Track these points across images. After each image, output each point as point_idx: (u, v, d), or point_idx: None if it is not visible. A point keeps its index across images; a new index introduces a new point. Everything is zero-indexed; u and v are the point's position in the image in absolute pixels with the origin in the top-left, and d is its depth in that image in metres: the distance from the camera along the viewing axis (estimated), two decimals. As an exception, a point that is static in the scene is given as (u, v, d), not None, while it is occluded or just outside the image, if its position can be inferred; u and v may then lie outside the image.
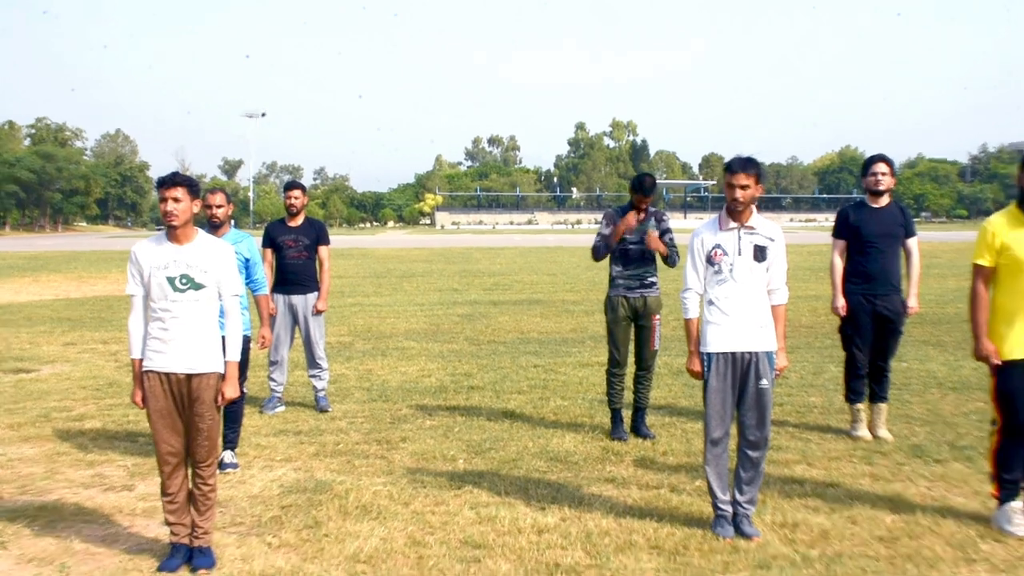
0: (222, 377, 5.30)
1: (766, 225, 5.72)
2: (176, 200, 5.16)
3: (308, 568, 5.23)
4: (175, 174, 5.29)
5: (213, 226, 7.32)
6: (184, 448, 5.30)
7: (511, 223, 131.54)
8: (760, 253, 5.63)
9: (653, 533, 5.65)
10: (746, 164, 5.59)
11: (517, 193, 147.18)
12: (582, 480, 6.82)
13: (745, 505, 5.68)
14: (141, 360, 5.26)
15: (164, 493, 5.33)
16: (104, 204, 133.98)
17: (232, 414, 7.37)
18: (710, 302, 5.70)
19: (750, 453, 5.67)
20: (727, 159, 5.80)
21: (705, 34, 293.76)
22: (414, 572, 5.15)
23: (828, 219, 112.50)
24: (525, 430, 8.35)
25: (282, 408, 9.31)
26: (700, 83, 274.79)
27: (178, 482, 5.32)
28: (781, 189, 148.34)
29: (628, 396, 8.21)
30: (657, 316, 7.97)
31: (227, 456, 7.29)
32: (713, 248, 5.67)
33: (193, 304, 5.19)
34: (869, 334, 7.92)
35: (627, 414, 8.22)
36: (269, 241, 9.26)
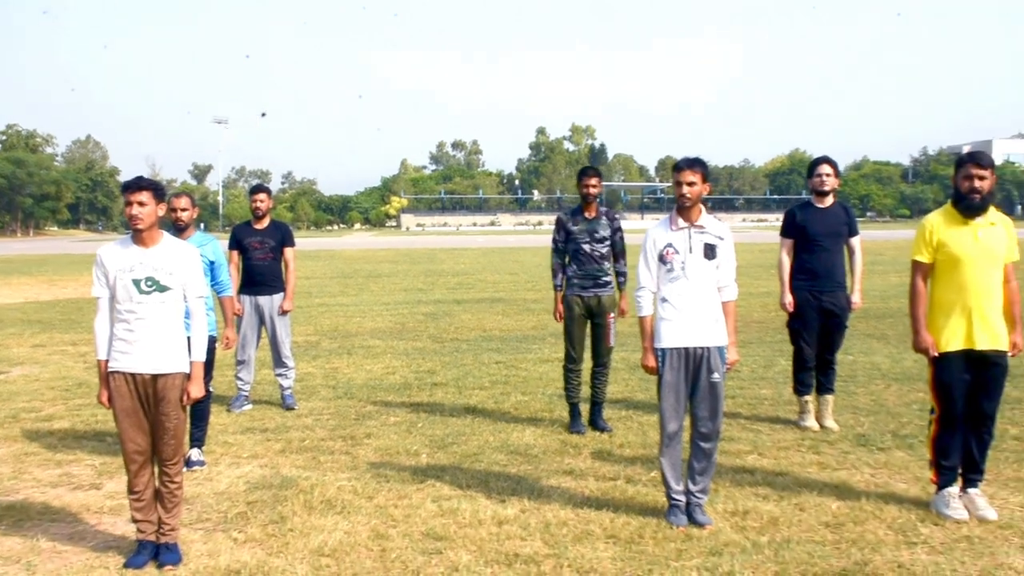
0: (187, 377, 5.24)
1: (715, 225, 5.75)
2: (141, 204, 5.09)
3: (273, 562, 5.17)
4: (140, 178, 5.22)
5: (178, 229, 7.23)
6: (150, 447, 5.22)
7: (475, 224, 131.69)
8: (710, 251, 5.65)
9: (609, 523, 5.65)
10: (692, 163, 5.64)
11: (480, 195, 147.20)
12: (541, 472, 6.81)
13: (698, 495, 5.70)
14: (107, 361, 5.19)
15: (131, 491, 5.25)
16: (75, 209, 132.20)
17: (199, 412, 7.29)
18: (663, 299, 5.71)
19: (702, 444, 5.69)
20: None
21: (661, 40, 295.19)
22: (377, 565, 5.12)
23: (779, 219, 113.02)
24: (486, 425, 8.33)
25: (249, 406, 9.22)
26: (656, 88, 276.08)
27: (144, 480, 5.24)
28: (734, 190, 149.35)
29: (586, 391, 8.22)
30: (611, 314, 7.98)
31: (194, 454, 7.21)
32: (665, 247, 5.68)
33: (158, 306, 5.12)
34: (816, 329, 7.99)
35: (585, 408, 8.23)
36: (236, 243, 9.20)
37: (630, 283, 7.87)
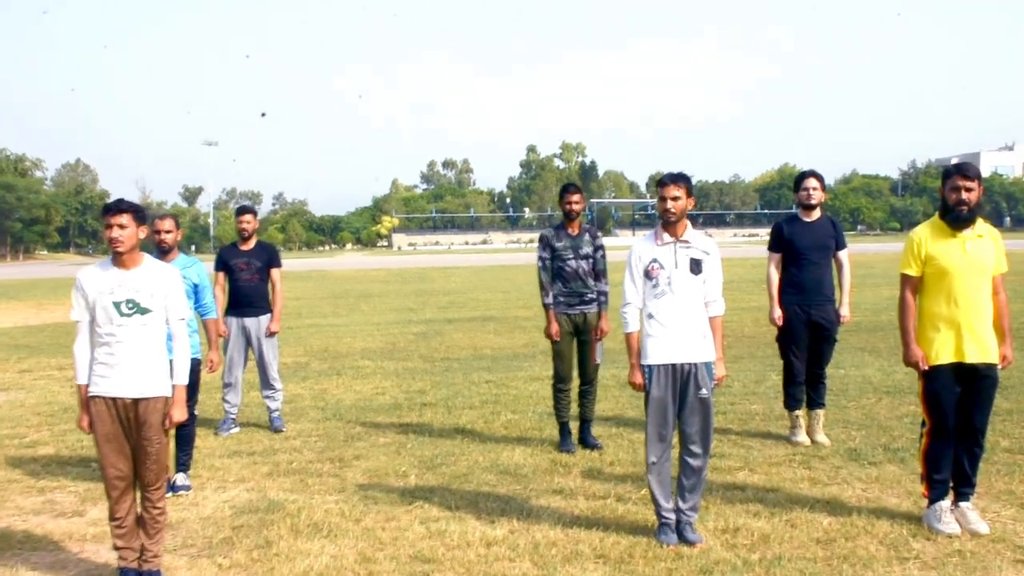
0: (170, 401, 5.17)
1: (701, 239, 5.71)
2: (121, 227, 5.03)
3: (258, 588, 5.10)
4: (120, 201, 5.17)
5: (162, 251, 7.19)
6: (132, 472, 5.15)
7: (466, 243, 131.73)
8: (696, 266, 5.61)
9: (599, 542, 5.59)
10: (676, 177, 5.62)
11: (472, 214, 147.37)
12: (531, 492, 6.75)
13: (688, 512, 5.64)
14: (87, 385, 5.12)
15: (112, 517, 5.18)
16: (65, 232, 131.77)
17: (184, 436, 7.22)
18: (649, 315, 5.67)
19: (691, 462, 5.63)
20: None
21: (650, 58, 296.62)
22: (363, 589, 5.05)
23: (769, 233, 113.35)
24: (476, 445, 8.26)
25: (237, 429, 9.14)
26: (646, 105, 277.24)
27: (126, 506, 5.17)
28: (724, 206, 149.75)
29: (575, 409, 8.16)
30: (595, 332, 7.94)
31: (180, 478, 7.13)
32: (650, 262, 5.64)
33: (139, 329, 5.06)
34: (805, 343, 7.95)
35: (575, 426, 8.16)
36: (222, 265, 9.15)
37: (611, 302, 7.84)
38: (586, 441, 8.01)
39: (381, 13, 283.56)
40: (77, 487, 7.24)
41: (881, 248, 62.20)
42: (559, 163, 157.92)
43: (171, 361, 5.20)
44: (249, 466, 7.74)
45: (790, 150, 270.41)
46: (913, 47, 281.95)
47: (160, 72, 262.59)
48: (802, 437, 7.94)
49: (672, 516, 5.64)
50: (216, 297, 8.91)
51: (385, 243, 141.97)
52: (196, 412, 7.57)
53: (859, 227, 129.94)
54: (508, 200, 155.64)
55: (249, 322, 9.10)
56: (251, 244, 9.20)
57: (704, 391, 5.57)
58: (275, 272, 9.24)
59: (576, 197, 7.94)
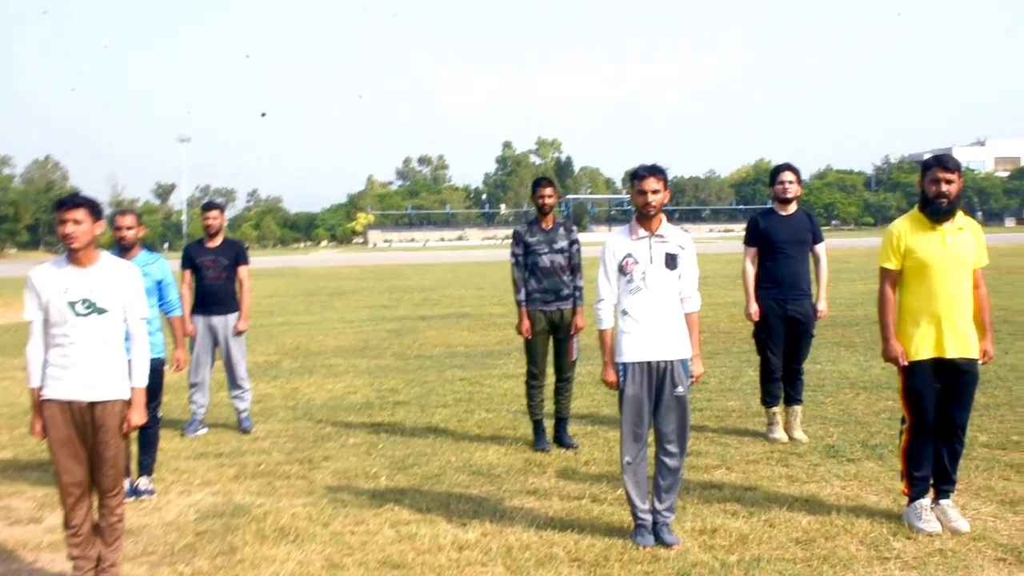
0: (128, 404, 4.98)
1: (676, 234, 5.58)
2: (76, 222, 4.84)
3: (221, 597, 4.93)
4: (75, 195, 4.97)
5: (123, 248, 6.98)
6: (88, 478, 4.96)
7: (442, 240, 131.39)
8: (671, 261, 5.48)
9: (574, 545, 5.45)
10: (654, 170, 5.47)
11: (447, 210, 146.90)
12: (504, 493, 6.60)
13: (664, 513, 5.51)
14: (40, 388, 4.92)
15: (67, 525, 4.98)
16: (35, 230, 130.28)
17: (147, 438, 7.02)
18: (624, 312, 5.52)
19: (668, 461, 5.50)
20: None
21: (625, 54, 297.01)
22: (330, 596, 4.88)
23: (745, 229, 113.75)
24: (449, 444, 8.10)
25: (204, 430, 8.94)
26: (622, 101, 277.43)
27: (82, 513, 4.97)
28: (700, 201, 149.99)
29: (550, 406, 8.02)
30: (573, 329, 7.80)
31: (143, 482, 6.94)
32: (625, 257, 5.50)
33: (95, 329, 4.86)
34: (781, 338, 7.85)
35: (550, 424, 8.02)
36: (188, 262, 8.95)
37: (586, 298, 7.71)
38: (561, 440, 7.87)
39: (374, 12, 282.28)
40: (35, 492, 7.02)
41: (855, 243, 62.53)
42: (535, 159, 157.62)
43: (130, 362, 5.01)
44: (216, 468, 7.55)
45: (765, 146, 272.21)
46: (886, 44, 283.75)
47: (133, 68, 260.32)
48: (779, 434, 7.84)
49: (648, 517, 5.51)
50: (183, 295, 8.72)
51: (360, 240, 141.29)
52: (160, 413, 7.37)
53: (833, 222, 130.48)
54: (484, 196, 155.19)
55: (216, 321, 8.90)
56: (218, 241, 8.99)
57: (680, 389, 5.44)
58: (243, 270, 9.04)
59: (548, 191, 7.79)
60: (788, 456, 7.30)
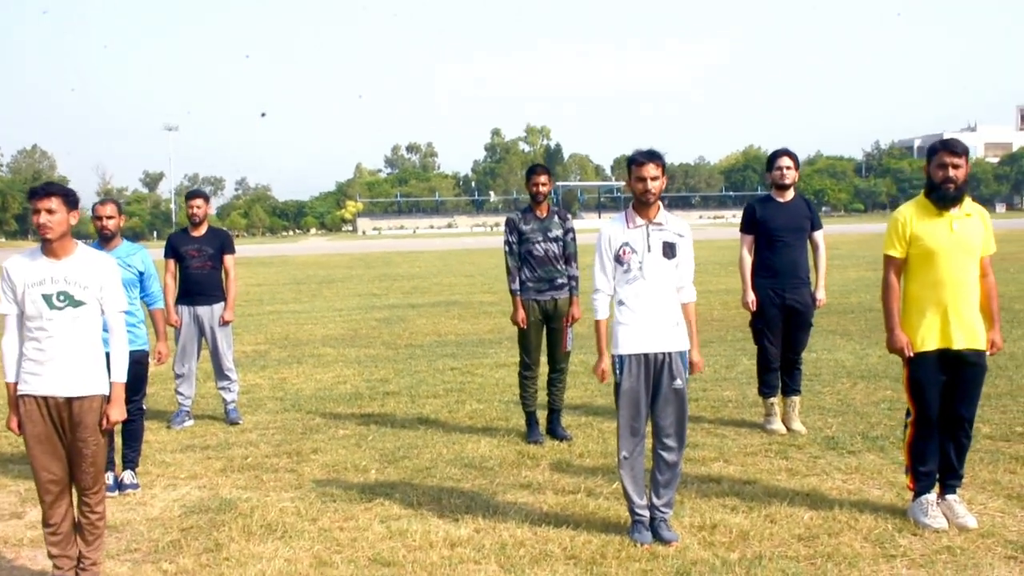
0: (107, 399, 4.79)
1: (674, 221, 5.40)
2: (50, 212, 4.64)
3: (205, 597, 4.76)
4: (48, 183, 4.78)
5: (104, 238, 6.78)
6: (67, 475, 4.78)
7: (431, 227, 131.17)
8: (670, 250, 5.30)
9: (569, 542, 5.28)
10: (652, 155, 5.27)
11: (436, 198, 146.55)
12: (497, 487, 6.44)
13: (662, 509, 5.35)
14: (16, 384, 4.73)
15: (46, 524, 4.81)
16: (23, 219, 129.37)
17: (131, 432, 6.84)
18: (620, 302, 5.35)
19: (666, 456, 5.33)
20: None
21: (614, 40, 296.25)
22: (318, 597, 4.72)
23: (735, 215, 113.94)
24: (440, 436, 7.93)
25: (191, 422, 8.75)
26: (611, 88, 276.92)
27: (61, 512, 4.79)
28: (690, 188, 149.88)
29: (543, 397, 7.85)
30: (566, 319, 7.62)
31: (127, 476, 6.76)
32: (621, 246, 5.32)
33: (72, 322, 4.67)
34: (779, 327, 7.69)
35: (543, 416, 7.86)
36: (172, 252, 8.75)
37: (582, 287, 7.55)
38: (555, 432, 7.71)
39: (370, 7, 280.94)
40: (18, 486, 6.84)
41: (846, 229, 62.48)
42: (524, 146, 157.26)
43: (108, 356, 4.82)
44: (202, 461, 7.37)
45: (755, 132, 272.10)
46: (876, 31, 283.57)
47: (117, 55, 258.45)
48: (777, 425, 7.69)
49: (646, 513, 5.35)
50: (167, 286, 8.54)
51: (350, 228, 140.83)
52: (145, 406, 7.20)
53: (824, 208, 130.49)
54: (473, 184, 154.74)
55: (201, 311, 8.70)
56: (202, 230, 8.79)
57: (679, 382, 5.28)
58: (228, 259, 8.84)
59: (543, 178, 7.60)
60: (787, 448, 7.15)
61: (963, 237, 5.37)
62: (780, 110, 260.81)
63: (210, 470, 7.12)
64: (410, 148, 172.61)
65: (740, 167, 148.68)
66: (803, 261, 7.74)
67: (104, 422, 4.75)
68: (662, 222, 5.34)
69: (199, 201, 8.78)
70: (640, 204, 5.32)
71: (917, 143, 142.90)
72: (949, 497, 5.54)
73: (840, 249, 34.73)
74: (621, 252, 5.31)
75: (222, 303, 8.80)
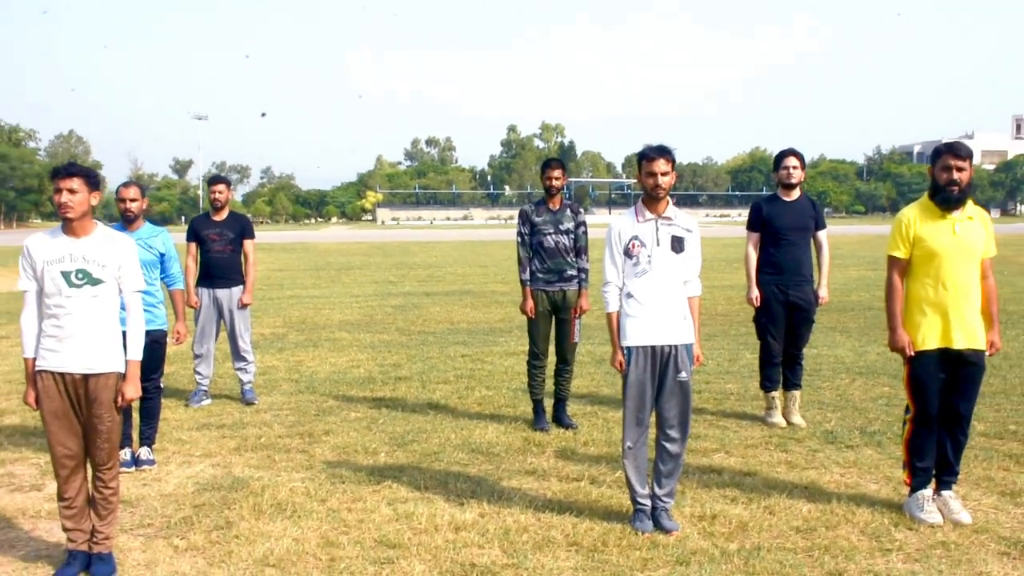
0: (122, 377, 4.70)
1: (682, 216, 5.27)
2: (72, 191, 4.55)
3: (214, 573, 4.68)
4: (71, 164, 4.68)
5: (127, 220, 6.70)
6: (82, 451, 4.70)
7: (448, 219, 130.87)
8: (678, 244, 5.18)
9: (572, 529, 5.18)
10: (663, 151, 5.15)
11: (454, 191, 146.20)
12: (503, 473, 6.33)
13: (664, 498, 5.24)
14: (34, 359, 4.65)
15: (61, 498, 4.73)
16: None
17: (149, 410, 6.77)
18: (629, 295, 5.23)
19: (669, 447, 5.22)
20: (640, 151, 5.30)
21: (622, 41, 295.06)
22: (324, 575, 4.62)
23: (741, 214, 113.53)
24: (448, 421, 7.83)
25: (208, 401, 8.68)
26: (624, 88, 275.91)
27: (76, 486, 4.71)
28: (697, 187, 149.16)
29: (550, 386, 7.74)
30: (575, 310, 7.50)
31: (144, 452, 6.68)
32: (631, 240, 5.19)
33: (90, 300, 4.58)
34: (782, 323, 7.56)
35: (550, 404, 7.75)
36: (193, 235, 8.66)
37: (592, 279, 7.43)
38: (560, 420, 7.60)
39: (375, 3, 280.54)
40: (39, 459, 6.76)
41: (847, 230, 62.12)
42: (539, 143, 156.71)
43: (125, 334, 4.72)
44: (217, 440, 7.29)
45: (761, 135, 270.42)
46: (880, 41, 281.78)
47: (153, 48, 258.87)
48: (778, 418, 7.56)
49: (647, 502, 5.24)
50: (188, 268, 8.46)
51: (369, 217, 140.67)
52: (163, 384, 7.12)
53: (826, 210, 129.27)
54: (489, 178, 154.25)
55: (221, 293, 8.62)
56: (224, 215, 8.69)
57: (683, 374, 5.16)
58: (248, 243, 8.75)
59: (557, 172, 7.48)
60: (787, 441, 7.03)
61: (965, 239, 5.23)
62: (786, 114, 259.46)
63: (224, 449, 7.03)
64: (429, 142, 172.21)
65: (746, 168, 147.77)
66: (807, 259, 7.60)
67: (119, 399, 4.66)
68: (671, 217, 5.22)
69: (221, 187, 8.69)
70: (650, 199, 5.20)
71: (916, 149, 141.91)
72: (945, 493, 5.41)
73: (841, 249, 34.47)
74: (630, 245, 5.19)
75: (241, 286, 8.71)
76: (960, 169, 5.18)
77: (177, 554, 4.93)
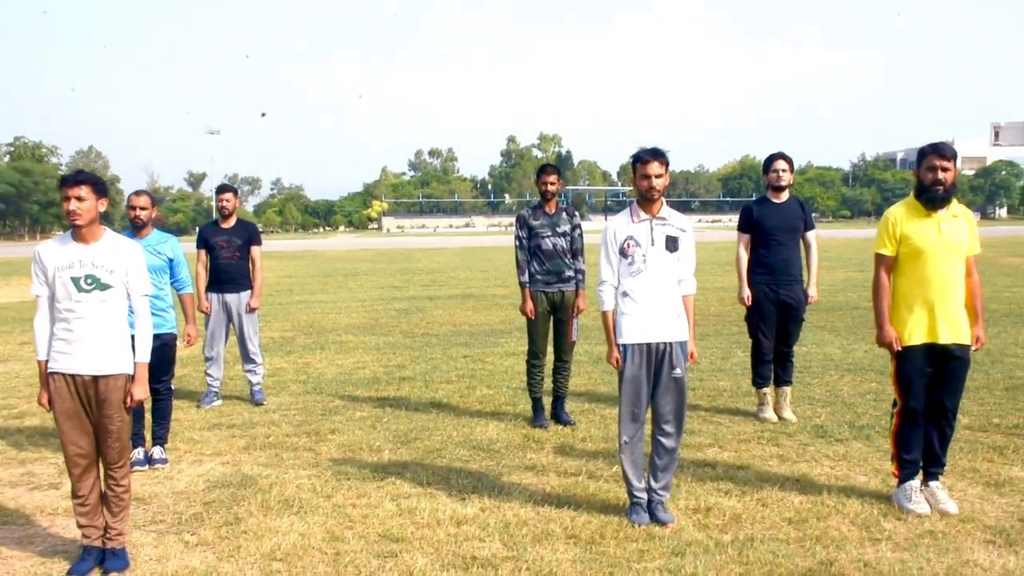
0: (131, 378, 4.65)
1: (676, 216, 5.22)
2: (80, 199, 4.49)
3: (223, 567, 4.61)
4: (79, 172, 4.63)
5: (136, 227, 6.64)
6: (94, 449, 4.64)
7: (450, 226, 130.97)
8: (672, 243, 5.12)
9: (570, 522, 5.11)
10: (656, 153, 5.09)
11: (456, 199, 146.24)
12: (503, 468, 6.26)
13: (660, 492, 5.17)
14: (46, 361, 4.60)
15: (75, 495, 4.67)
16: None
17: (160, 410, 6.72)
18: (624, 293, 5.17)
19: (664, 442, 5.15)
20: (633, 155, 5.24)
21: (616, 54, 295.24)
22: (330, 569, 4.55)
23: (732, 219, 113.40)
24: (451, 419, 7.77)
25: (219, 402, 8.62)
26: (616, 99, 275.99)
27: (89, 484, 4.66)
28: (690, 194, 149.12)
29: (549, 384, 7.67)
30: (572, 310, 7.44)
31: (156, 452, 6.63)
32: (626, 240, 5.14)
33: (99, 304, 4.53)
34: (773, 322, 7.50)
35: (549, 402, 7.68)
36: (203, 242, 8.61)
37: (588, 281, 7.36)
38: (559, 417, 7.54)
39: (375, 11, 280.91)
40: (57, 459, 6.68)
41: (834, 233, 61.97)
42: (537, 152, 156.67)
43: (133, 337, 4.67)
44: (227, 439, 7.23)
45: (751, 143, 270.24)
46: (860, 52, 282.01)
47: (166, 66, 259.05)
48: (769, 414, 7.50)
49: (644, 496, 5.17)
50: (198, 274, 8.42)
51: (375, 226, 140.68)
52: (174, 386, 7.06)
53: (813, 215, 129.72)
54: (490, 186, 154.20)
55: (230, 298, 8.57)
56: (231, 222, 8.64)
57: (678, 371, 5.09)
58: (255, 250, 8.70)
59: (552, 177, 7.42)
60: (778, 436, 6.96)
61: (950, 237, 5.17)
62: (774, 123, 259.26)
63: (234, 447, 6.97)
64: (432, 153, 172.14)
65: (737, 175, 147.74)
66: (796, 259, 7.55)
67: (128, 400, 4.61)
68: (665, 217, 5.16)
69: (228, 195, 8.63)
70: (644, 200, 5.14)
71: (900, 155, 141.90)
72: (932, 484, 5.35)
73: (829, 252, 34.38)
74: (626, 245, 5.13)
75: (249, 291, 8.66)
76: (945, 169, 5.12)
77: (188, 549, 4.87)
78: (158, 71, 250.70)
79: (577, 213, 7.68)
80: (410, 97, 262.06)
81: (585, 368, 9.94)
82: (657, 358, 5.09)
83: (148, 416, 6.79)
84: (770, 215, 7.51)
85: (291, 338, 13.48)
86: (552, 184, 7.40)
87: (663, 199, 5.16)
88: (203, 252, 8.60)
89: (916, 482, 5.34)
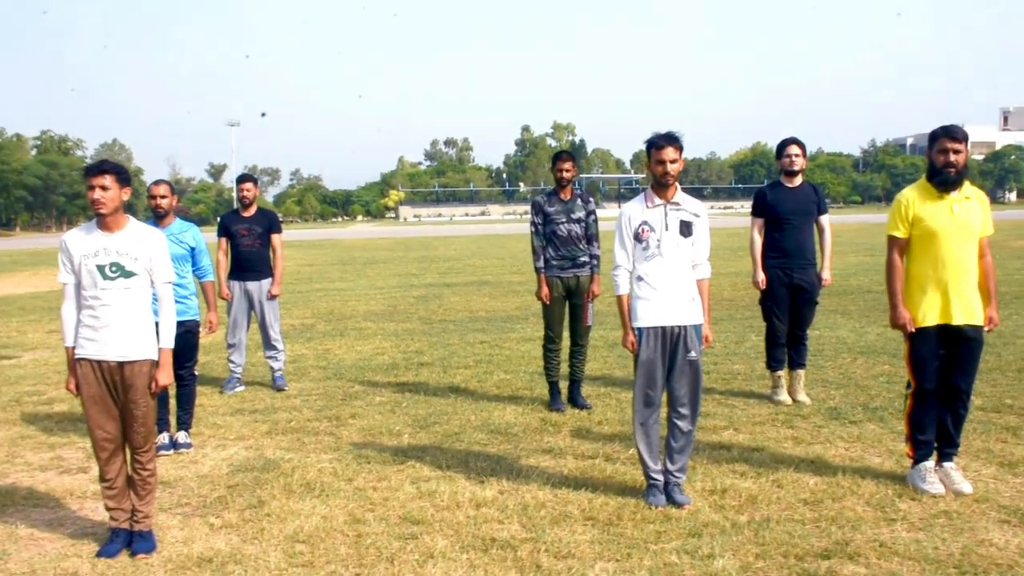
0: (156, 364, 4.65)
1: (690, 201, 5.16)
2: (104, 188, 4.49)
3: (247, 549, 4.61)
4: (103, 162, 4.62)
5: (157, 216, 6.65)
6: (120, 434, 4.65)
7: (466, 215, 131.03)
8: (686, 228, 5.07)
9: (588, 504, 5.09)
10: (671, 139, 5.03)
11: (471, 188, 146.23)
12: (521, 452, 6.24)
13: (676, 474, 5.14)
14: (74, 348, 4.61)
15: (102, 479, 4.69)
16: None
17: (185, 396, 6.73)
18: (639, 278, 5.12)
19: (680, 424, 5.12)
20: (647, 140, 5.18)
21: (627, 45, 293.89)
22: (351, 551, 4.55)
23: (744, 206, 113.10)
24: (469, 404, 7.75)
25: (241, 388, 8.64)
26: (630, 89, 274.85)
27: (116, 467, 4.67)
28: (702, 180, 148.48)
29: (565, 368, 7.65)
30: (587, 295, 7.40)
31: (181, 436, 6.64)
32: (640, 225, 5.09)
33: (124, 292, 4.53)
34: (787, 305, 7.44)
35: (564, 386, 7.65)
36: (224, 231, 8.62)
37: (603, 267, 7.32)
38: (575, 401, 7.51)
39: (385, 7, 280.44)
40: (85, 443, 6.71)
41: (845, 219, 61.60)
42: (551, 141, 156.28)
43: (157, 324, 4.67)
44: (250, 424, 7.24)
45: (762, 130, 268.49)
46: (873, 38, 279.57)
47: (188, 61, 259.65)
48: (783, 396, 7.44)
49: (660, 478, 5.14)
50: (219, 262, 8.43)
51: (392, 215, 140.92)
52: (197, 372, 7.07)
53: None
54: (504, 175, 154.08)
55: (251, 286, 8.57)
56: (252, 211, 8.64)
57: (693, 354, 5.05)
58: (275, 238, 8.70)
59: (567, 164, 7.37)
60: (793, 418, 6.91)
61: (963, 219, 5.10)
62: (785, 110, 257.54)
63: (257, 432, 6.99)
64: (448, 143, 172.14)
65: (748, 162, 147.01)
66: (810, 243, 7.47)
67: (153, 385, 4.61)
68: (679, 202, 5.11)
69: (249, 184, 8.64)
70: (659, 185, 5.09)
71: (910, 141, 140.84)
72: (946, 464, 5.29)
73: (840, 237, 34.13)
74: (640, 230, 5.09)
75: (270, 278, 8.66)
76: (956, 151, 5.05)
77: (213, 531, 4.88)
78: (181, 66, 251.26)
79: (592, 199, 7.63)
80: (427, 87, 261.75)
81: (601, 353, 9.90)
82: (672, 341, 5.05)
83: (173, 402, 6.82)
84: (784, 199, 7.44)
85: (311, 325, 13.50)
86: (567, 171, 7.36)
87: (677, 184, 5.11)
88: (224, 240, 8.61)
89: (930, 463, 5.29)
